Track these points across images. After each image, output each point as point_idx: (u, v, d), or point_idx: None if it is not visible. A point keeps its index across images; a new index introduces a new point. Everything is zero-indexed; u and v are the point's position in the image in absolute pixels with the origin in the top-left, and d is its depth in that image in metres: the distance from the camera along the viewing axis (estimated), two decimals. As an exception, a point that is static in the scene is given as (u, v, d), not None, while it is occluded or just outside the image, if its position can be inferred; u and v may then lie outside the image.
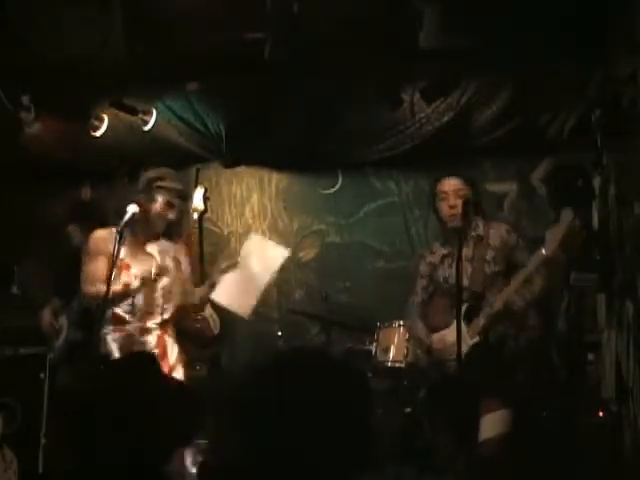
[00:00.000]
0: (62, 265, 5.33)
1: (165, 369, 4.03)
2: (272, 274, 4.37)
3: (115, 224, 3.99)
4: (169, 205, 4.05)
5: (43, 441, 4.95)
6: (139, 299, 4.04)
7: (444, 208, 4.18)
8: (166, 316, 4.10)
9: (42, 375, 5.14)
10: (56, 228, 5.73)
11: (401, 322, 4.74)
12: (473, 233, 4.22)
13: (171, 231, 4.16)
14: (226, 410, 1.81)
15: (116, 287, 3.90)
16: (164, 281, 4.08)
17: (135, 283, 3.97)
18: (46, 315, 5.23)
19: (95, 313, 4.01)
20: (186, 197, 4.26)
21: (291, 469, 1.70)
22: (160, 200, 4.04)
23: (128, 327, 4.03)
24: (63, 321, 5.22)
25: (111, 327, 4.04)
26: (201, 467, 4.04)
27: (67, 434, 2.27)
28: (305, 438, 1.69)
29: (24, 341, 5.49)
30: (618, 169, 4.62)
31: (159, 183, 4.07)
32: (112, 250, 3.89)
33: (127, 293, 3.97)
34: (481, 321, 4.07)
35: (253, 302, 4.35)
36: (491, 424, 3.90)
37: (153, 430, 2.17)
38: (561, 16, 4.53)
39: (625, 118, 4.41)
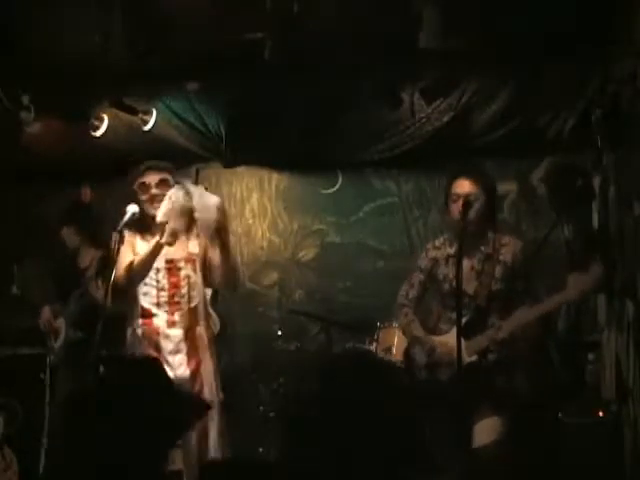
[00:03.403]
0: (61, 266, 5.34)
1: (194, 362, 4.04)
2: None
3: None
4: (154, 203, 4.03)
5: (45, 441, 4.95)
6: (164, 292, 4.05)
7: (454, 211, 3.99)
8: (193, 304, 4.10)
9: (42, 375, 5.15)
10: (56, 228, 5.75)
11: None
12: (482, 248, 4.03)
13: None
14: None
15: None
16: (186, 269, 4.09)
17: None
18: (45, 313, 5.24)
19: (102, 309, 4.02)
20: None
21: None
22: (143, 196, 4.06)
23: (155, 320, 4.04)
24: (61, 322, 5.23)
25: (140, 321, 4.06)
26: (204, 467, 4.04)
27: (67, 434, 2.27)
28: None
29: (24, 341, 5.50)
30: (618, 169, 4.62)
31: (140, 180, 4.07)
32: (135, 244, 4.03)
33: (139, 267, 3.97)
34: (483, 343, 3.94)
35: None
36: (485, 431, 3.88)
37: (148, 431, 2.18)
38: (561, 16, 4.53)
39: (625, 118, 4.42)
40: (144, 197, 4.06)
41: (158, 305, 4.04)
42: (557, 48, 4.76)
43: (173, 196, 3.98)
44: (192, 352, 4.05)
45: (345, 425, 1.80)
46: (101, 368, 3.67)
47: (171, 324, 4.04)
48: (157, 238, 3.95)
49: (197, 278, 4.10)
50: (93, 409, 2.17)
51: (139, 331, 4.05)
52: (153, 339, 4.03)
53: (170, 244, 3.96)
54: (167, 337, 4.03)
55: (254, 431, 5.55)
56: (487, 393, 3.92)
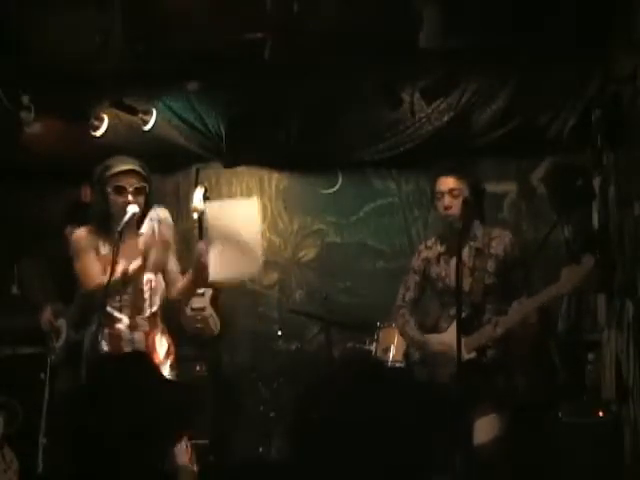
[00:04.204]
0: (62, 266, 5.33)
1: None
2: (257, 228, 4.17)
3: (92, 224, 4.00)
4: (126, 203, 3.98)
5: (43, 441, 4.95)
6: (126, 295, 4.03)
7: (440, 208, 4.06)
8: (154, 309, 4.09)
9: (42, 375, 5.15)
10: (56, 228, 5.74)
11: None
12: (472, 243, 4.05)
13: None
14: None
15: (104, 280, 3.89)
16: (149, 275, 4.06)
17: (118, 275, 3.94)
18: (46, 313, 5.23)
19: (92, 310, 4.00)
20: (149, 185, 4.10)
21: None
22: (119, 199, 3.99)
23: (118, 324, 4.03)
24: (62, 323, 5.23)
25: (102, 324, 4.04)
26: (204, 467, 4.04)
27: (64, 433, 2.28)
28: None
29: (24, 341, 5.49)
30: (618, 169, 4.62)
31: (118, 183, 4.00)
32: (99, 246, 3.96)
33: (114, 285, 3.94)
34: (481, 339, 3.94)
35: (257, 261, 4.13)
36: (484, 428, 3.87)
37: (144, 427, 2.18)
38: (561, 16, 4.54)
39: (625, 118, 4.42)
40: (119, 200, 3.98)
41: (120, 309, 4.03)
42: (557, 48, 4.77)
43: (159, 224, 3.95)
44: (152, 355, 4.04)
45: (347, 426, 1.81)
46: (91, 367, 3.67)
47: (133, 328, 4.03)
48: (137, 264, 3.92)
49: (159, 282, 4.09)
50: (90, 407, 2.18)
51: (100, 335, 4.02)
52: (114, 343, 4.01)
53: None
54: (129, 341, 4.02)
55: (254, 431, 5.55)
56: (486, 391, 3.92)
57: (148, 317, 4.06)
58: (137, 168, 3.99)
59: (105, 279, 3.85)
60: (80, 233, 4.07)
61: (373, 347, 5.14)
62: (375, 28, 4.74)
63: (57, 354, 5.19)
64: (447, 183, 4.03)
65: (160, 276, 4.10)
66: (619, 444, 4.37)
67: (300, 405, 5.12)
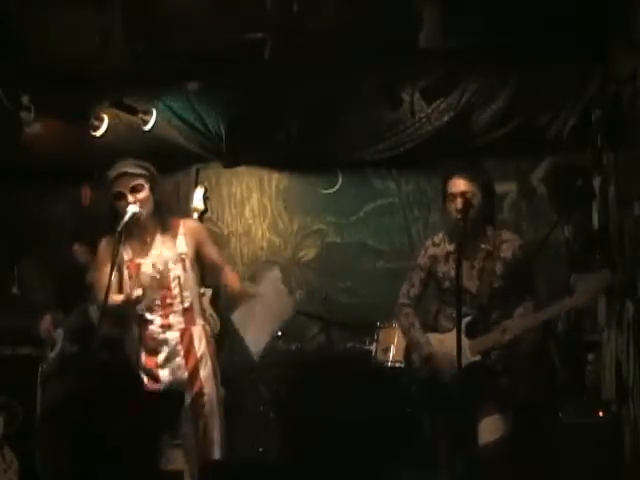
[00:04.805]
0: (68, 278, 5.32)
1: (192, 363, 4.00)
2: (280, 323, 4.36)
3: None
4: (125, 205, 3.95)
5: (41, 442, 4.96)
6: (155, 295, 3.99)
7: (452, 210, 3.95)
8: (186, 305, 4.05)
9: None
10: (56, 229, 5.75)
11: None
12: (482, 246, 4.00)
13: (162, 223, 4.07)
14: None
15: (130, 293, 3.90)
16: (176, 271, 4.03)
17: (146, 280, 3.93)
18: (45, 322, 5.23)
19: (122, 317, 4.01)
20: (153, 182, 4.03)
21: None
22: (121, 204, 3.97)
23: (151, 326, 4.00)
24: (59, 333, 5.23)
25: (138, 329, 4.02)
26: (202, 467, 4.04)
27: (56, 437, 2.29)
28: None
29: (24, 341, 5.50)
30: (618, 169, 4.62)
31: (115, 189, 3.98)
32: (122, 254, 3.92)
33: (142, 295, 3.92)
34: (487, 344, 3.91)
35: (263, 344, 4.26)
36: (489, 428, 3.87)
37: (129, 432, 2.19)
38: (561, 16, 4.54)
39: (625, 118, 4.42)
40: (121, 204, 3.96)
41: (151, 310, 4.00)
42: (557, 48, 4.77)
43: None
44: (189, 354, 4.01)
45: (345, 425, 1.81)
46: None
47: (166, 327, 4.00)
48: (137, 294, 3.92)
49: (188, 277, 4.06)
50: (77, 415, 2.18)
51: (136, 338, 4.02)
52: (150, 345, 3.99)
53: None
54: (163, 341, 3.99)
55: (254, 431, 5.55)
56: (490, 392, 3.91)
57: (182, 314, 4.02)
58: (128, 170, 3.97)
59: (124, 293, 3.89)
60: (104, 243, 4.03)
61: (373, 347, 5.14)
62: (375, 28, 4.74)
63: (49, 364, 5.19)
64: (459, 185, 3.95)
65: (189, 271, 4.05)
66: (619, 444, 4.37)
67: (300, 405, 5.13)
